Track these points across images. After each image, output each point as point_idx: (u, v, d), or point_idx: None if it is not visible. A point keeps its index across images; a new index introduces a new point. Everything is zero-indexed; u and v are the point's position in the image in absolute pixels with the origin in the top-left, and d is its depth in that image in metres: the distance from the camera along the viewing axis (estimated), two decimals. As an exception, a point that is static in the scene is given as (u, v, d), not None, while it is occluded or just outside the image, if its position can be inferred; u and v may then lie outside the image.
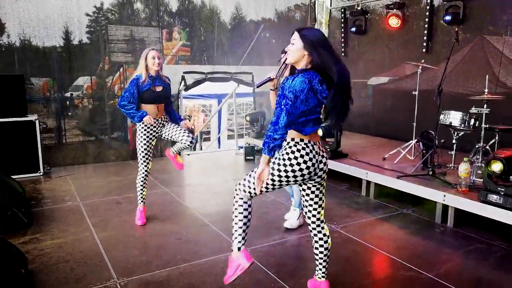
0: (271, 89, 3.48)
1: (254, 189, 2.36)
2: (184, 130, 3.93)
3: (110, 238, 3.69)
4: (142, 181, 4.00)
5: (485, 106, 4.45)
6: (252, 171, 2.41)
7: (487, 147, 4.52)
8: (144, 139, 3.86)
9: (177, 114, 4.14)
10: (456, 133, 4.70)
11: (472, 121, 4.52)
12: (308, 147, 2.30)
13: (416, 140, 5.22)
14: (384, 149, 5.76)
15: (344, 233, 3.86)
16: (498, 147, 4.41)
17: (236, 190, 2.47)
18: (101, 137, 6.74)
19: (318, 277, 2.64)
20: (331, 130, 5.28)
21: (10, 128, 5.50)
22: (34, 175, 5.77)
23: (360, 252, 3.50)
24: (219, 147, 8.70)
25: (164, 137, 4.01)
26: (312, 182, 2.44)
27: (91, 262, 3.23)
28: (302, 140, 2.30)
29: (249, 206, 2.46)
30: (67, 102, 6.50)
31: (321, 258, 2.58)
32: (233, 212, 2.48)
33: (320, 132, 4.99)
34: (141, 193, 4.06)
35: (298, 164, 2.27)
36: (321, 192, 2.50)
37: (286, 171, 2.28)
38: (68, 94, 6.49)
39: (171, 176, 5.81)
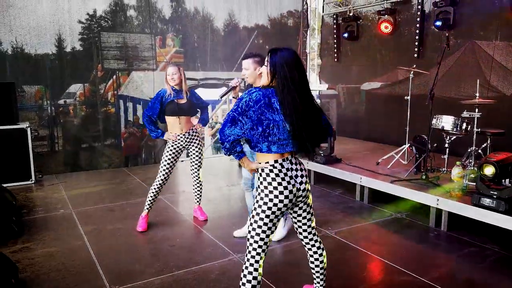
0: (233, 97, 3.49)
1: (263, 234, 2.22)
2: (197, 171, 4.21)
3: (103, 246, 3.65)
4: (155, 189, 4.02)
5: (476, 110, 4.49)
6: (250, 224, 2.26)
7: (479, 150, 4.56)
8: (169, 153, 3.98)
9: (205, 116, 4.23)
10: (448, 137, 4.73)
11: (464, 125, 4.56)
12: (276, 167, 2.18)
13: (409, 144, 5.24)
14: (377, 153, 5.78)
15: (339, 238, 3.85)
16: (490, 150, 4.45)
17: (244, 263, 2.28)
18: (94, 144, 6.70)
19: None
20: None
21: (1, 136, 5.45)
22: (26, 183, 5.71)
23: (355, 257, 3.49)
24: (212, 154, 8.67)
25: (189, 155, 4.17)
26: (299, 201, 2.31)
27: (83, 271, 3.19)
28: (267, 162, 2.19)
29: (259, 283, 2.26)
30: (60, 110, 6.46)
31: (318, 272, 2.54)
32: None
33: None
34: (150, 201, 4.07)
35: (277, 194, 2.17)
36: (309, 205, 2.36)
37: (269, 202, 2.18)
38: (61, 102, 6.45)
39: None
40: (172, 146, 3.99)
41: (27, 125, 5.65)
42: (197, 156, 4.15)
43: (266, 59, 2.21)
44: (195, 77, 7.51)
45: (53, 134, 6.40)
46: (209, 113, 4.42)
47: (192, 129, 4.07)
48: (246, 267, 2.27)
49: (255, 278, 2.25)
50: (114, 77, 6.82)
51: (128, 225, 4.17)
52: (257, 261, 2.26)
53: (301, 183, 2.24)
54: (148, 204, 4.07)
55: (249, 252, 2.27)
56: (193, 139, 4.09)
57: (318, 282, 2.58)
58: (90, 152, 6.67)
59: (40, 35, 6.13)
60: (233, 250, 3.56)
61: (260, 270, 2.28)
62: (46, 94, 6.31)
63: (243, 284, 2.26)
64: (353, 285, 2.99)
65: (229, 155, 2.26)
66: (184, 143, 4.03)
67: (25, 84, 6.16)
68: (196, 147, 4.12)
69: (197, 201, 4.37)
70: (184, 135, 4.00)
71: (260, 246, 2.25)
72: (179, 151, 4.03)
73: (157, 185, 4.00)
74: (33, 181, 5.76)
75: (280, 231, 3.79)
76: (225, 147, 2.21)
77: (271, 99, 2.16)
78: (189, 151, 4.15)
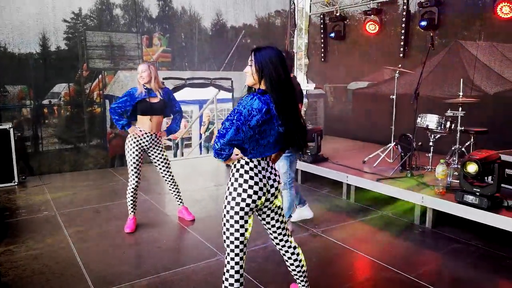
0: None
1: (237, 233, 2.18)
2: (168, 173, 4.07)
3: (88, 248, 3.61)
4: (132, 192, 3.97)
5: (460, 109, 4.56)
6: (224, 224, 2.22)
7: (463, 149, 4.63)
8: (132, 151, 3.87)
9: (174, 125, 4.06)
10: (432, 135, 4.79)
11: (448, 123, 4.62)
12: (252, 162, 2.17)
13: (394, 143, 5.29)
14: (363, 152, 5.82)
15: (326, 236, 3.87)
16: (473, 148, 4.51)
17: (225, 265, 2.25)
18: (79, 144, 6.60)
19: None
20: (311, 134, 5.30)
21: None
22: (8, 185, 5.60)
23: (342, 255, 3.51)
24: (200, 153, 8.64)
25: (151, 159, 4.04)
26: (268, 205, 2.28)
27: (67, 274, 3.14)
28: (246, 162, 2.17)
29: (241, 284, 2.24)
30: (44, 110, 6.36)
31: (297, 274, 2.52)
32: None
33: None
34: (132, 203, 4.02)
35: (246, 188, 2.14)
36: (280, 208, 2.36)
37: (238, 199, 2.14)
38: (45, 101, 6.35)
39: (150, 183, 5.73)
40: (135, 143, 3.84)
41: (10, 126, 5.54)
42: (161, 158, 4.01)
43: (250, 59, 2.18)
44: (182, 77, 7.46)
45: (37, 135, 6.30)
46: (182, 122, 4.22)
47: (158, 133, 3.97)
48: (227, 270, 2.23)
49: (237, 280, 2.22)
50: (100, 76, 6.74)
51: (113, 226, 4.12)
52: (237, 263, 2.22)
53: (271, 186, 2.23)
54: (131, 206, 4.03)
55: (228, 254, 2.23)
56: (155, 142, 3.95)
57: (300, 283, 2.57)
58: (75, 153, 6.58)
59: (24, 34, 6.02)
60: (220, 250, 3.54)
61: (242, 271, 2.24)
62: (30, 93, 6.20)
63: (226, 287, 2.23)
64: (339, 283, 3.01)
65: (223, 158, 2.17)
66: (147, 143, 3.89)
67: (8, 84, 6.04)
68: (157, 150, 3.97)
69: (180, 202, 4.32)
70: (151, 135, 3.88)
71: (237, 246, 2.20)
72: (142, 151, 3.91)
73: (132, 188, 3.94)
74: (16, 183, 5.66)
75: (306, 210, 4.22)
76: (224, 152, 2.10)
77: (270, 104, 2.12)
78: (151, 156, 3.99)
